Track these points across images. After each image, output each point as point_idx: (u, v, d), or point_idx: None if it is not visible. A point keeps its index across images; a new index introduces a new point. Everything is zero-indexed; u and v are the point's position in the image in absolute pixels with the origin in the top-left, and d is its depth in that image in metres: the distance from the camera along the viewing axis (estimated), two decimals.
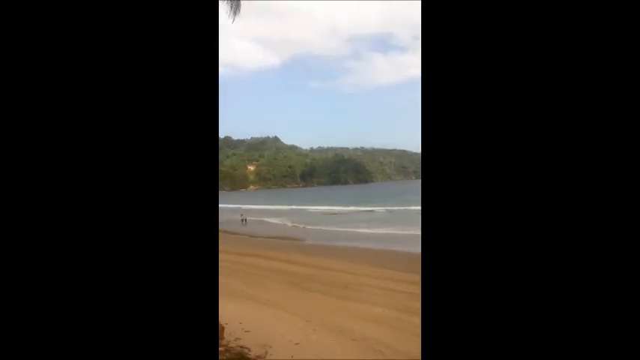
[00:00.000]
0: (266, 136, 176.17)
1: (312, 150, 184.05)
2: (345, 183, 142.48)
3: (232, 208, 42.31)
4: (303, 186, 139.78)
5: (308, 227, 23.21)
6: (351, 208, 36.52)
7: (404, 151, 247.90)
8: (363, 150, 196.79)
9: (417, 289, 6.24)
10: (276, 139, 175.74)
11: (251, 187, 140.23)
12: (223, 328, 5.31)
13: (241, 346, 4.94)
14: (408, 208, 31.56)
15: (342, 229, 20.69)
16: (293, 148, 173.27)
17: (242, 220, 26.44)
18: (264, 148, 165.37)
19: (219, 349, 4.41)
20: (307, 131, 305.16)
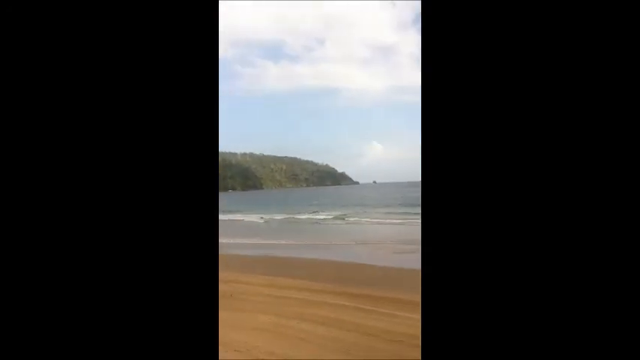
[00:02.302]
0: None
1: None
2: (233, 189, 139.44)
3: None
4: None
5: None
6: (230, 217, 34.10)
7: (295, 158, 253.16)
8: (252, 155, 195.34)
9: (309, 295, 6.15)
10: None
11: None
12: None
13: None
14: (294, 216, 31.83)
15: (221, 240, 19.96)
16: None
17: None
18: None
19: None
20: None
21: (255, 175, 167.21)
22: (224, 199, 77.59)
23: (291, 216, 31.88)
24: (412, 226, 21.82)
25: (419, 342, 4.81)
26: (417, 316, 5.63)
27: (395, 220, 25.52)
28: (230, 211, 39.14)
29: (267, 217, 31.23)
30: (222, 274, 10.18)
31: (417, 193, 64.45)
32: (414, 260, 11.16)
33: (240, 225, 27.14)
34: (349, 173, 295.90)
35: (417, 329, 5.05)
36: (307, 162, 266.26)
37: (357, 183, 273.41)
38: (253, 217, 31.14)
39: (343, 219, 28.46)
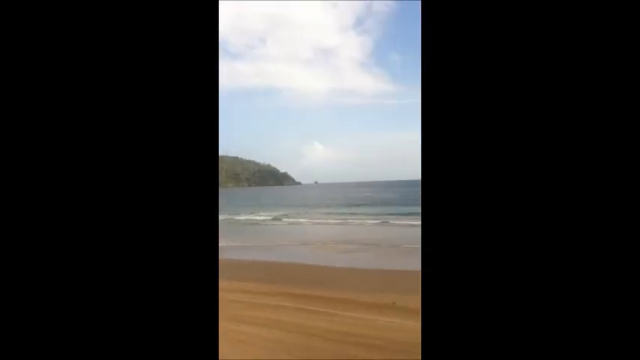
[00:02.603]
0: None
1: None
2: None
3: None
4: None
5: None
6: None
7: (236, 158, 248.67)
8: None
9: (249, 297, 6.02)
10: None
11: None
12: None
13: None
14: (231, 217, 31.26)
15: None
16: None
17: None
18: None
19: None
20: None
21: None
22: None
23: (231, 217, 31.30)
24: (350, 226, 22.30)
25: (359, 340, 4.89)
26: (357, 314, 5.76)
27: (333, 221, 25.89)
28: None
29: None
30: None
31: (356, 193, 65.87)
32: (354, 260, 11.40)
33: None
34: (291, 173, 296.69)
35: (357, 327, 5.16)
36: (249, 161, 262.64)
37: (299, 183, 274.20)
38: None
39: (280, 219, 28.41)
